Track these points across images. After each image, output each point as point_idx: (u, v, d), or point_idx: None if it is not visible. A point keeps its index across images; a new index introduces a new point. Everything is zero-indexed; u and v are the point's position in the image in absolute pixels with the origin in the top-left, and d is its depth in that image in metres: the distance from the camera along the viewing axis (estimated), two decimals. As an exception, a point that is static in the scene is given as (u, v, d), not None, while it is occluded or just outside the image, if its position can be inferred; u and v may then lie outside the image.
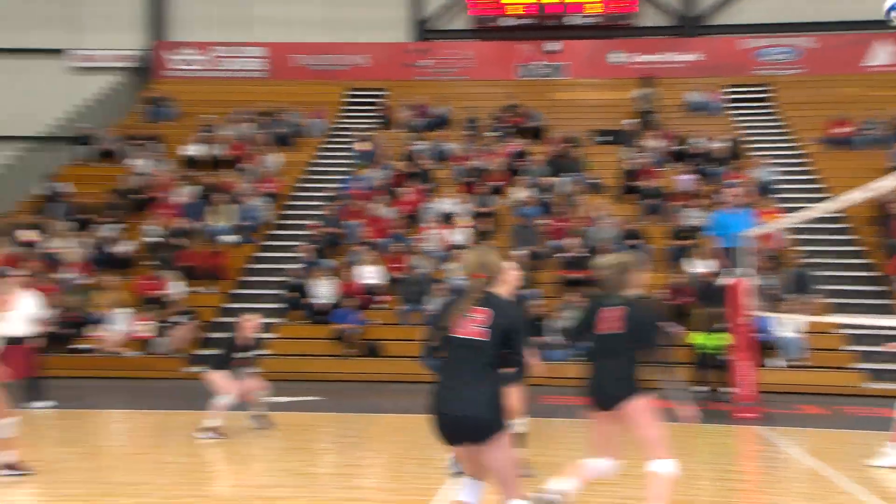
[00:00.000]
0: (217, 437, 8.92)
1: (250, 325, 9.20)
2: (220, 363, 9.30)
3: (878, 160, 18.59)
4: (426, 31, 25.02)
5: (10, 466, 6.94)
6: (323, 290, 15.77)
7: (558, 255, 16.65)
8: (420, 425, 9.80)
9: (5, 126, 24.11)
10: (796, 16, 23.59)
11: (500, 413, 4.17)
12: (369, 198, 18.42)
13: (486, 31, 24.59)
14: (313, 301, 15.70)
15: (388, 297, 15.97)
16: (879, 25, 22.58)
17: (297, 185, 20.21)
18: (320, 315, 15.47)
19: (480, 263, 4.34)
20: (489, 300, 4.25)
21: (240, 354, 9.30)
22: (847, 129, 20.13)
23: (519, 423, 6.40)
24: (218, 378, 9.25)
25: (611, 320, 5.08)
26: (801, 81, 22.78)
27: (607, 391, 5.02)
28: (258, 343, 10.54)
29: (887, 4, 5.58)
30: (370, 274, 16.09)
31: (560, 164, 19.67)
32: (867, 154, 19.48)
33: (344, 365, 14.55)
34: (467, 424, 4.13)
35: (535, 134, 21.57)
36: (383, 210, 17.96)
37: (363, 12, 24.81)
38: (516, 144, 20.43)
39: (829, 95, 21.57)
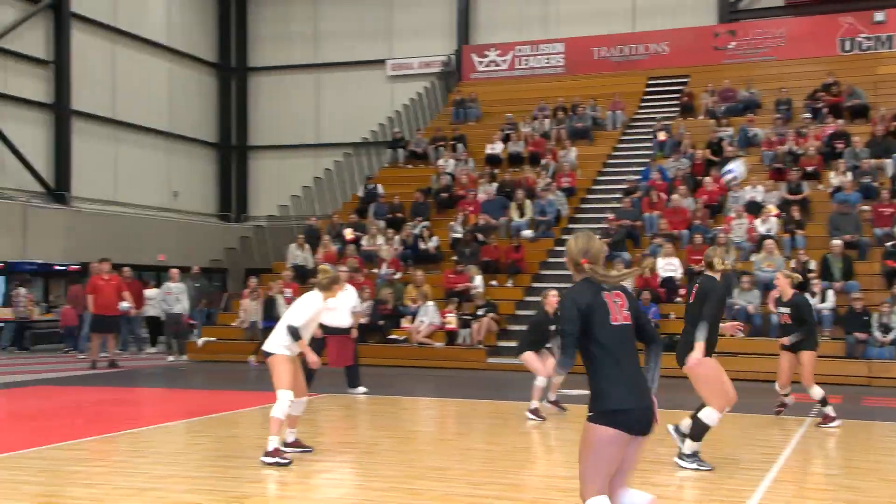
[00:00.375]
0: (537, 419, 9.41)
1: (554, 299, 9.41)
2: (532, 344, 9.69)
3: None
4: (734, 13, 23.82)
5: (292, 444, 7.46)
6: (619, 284, 15.61)
7: (884, 243, 15.05)
8: (730, 423, 9.43)
9: (334, 133, 26.84)
10: None
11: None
12: (669, 189, 17.95)
13: (803, 5, 22.85)
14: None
15: (685, 291, 15.43)
16: None
17: (596, 178, 20.26)
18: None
19: (586, 249, 4.10)
20: (618, 286, 4.06)
21: (551, 327, 9.49)
22: None
23: None
24: (531, 359, 9.57)
25: None
26: None
27: None
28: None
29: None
30: (669, 267, 15.67)
31: (886, 145, 17.77)
32: None
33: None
34: (649, 417, 3.93)
35: (858, 113, 19.67)
36: (684, 201, 17.41)
37: (667, -1, 24.26)
38: (834, 125, 18.78)
39: None
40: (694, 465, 6.87)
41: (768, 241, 15.38)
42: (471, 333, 15.70)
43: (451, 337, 15.90)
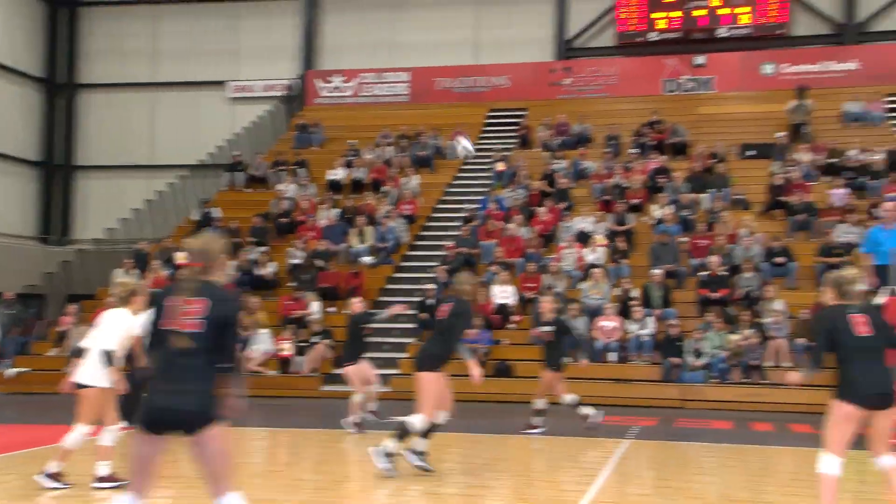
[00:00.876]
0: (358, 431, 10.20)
1: (359, 305, 9.68)
2: (351, 353, 10.34)
3: None
4: (570, 50, 24.95)
5: (105, 479, 7.12)
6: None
7: (699, 273, 16.10)
8: (552, 446, 9.80)
9: (170, 154, 25.94)
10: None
11: (214, 406, 4.14)
12: (505, 218, 18.49)
13: (632, 46, 24.23)
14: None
15: (520, 318, 15.93)
16: None
17: (436, 206, 20.57)
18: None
19: (201, 250, 4.19)
20: (205, 290, 4.15)
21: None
22: None
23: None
24: (352, 373, 10.37)
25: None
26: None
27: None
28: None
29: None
30: (503, 294, 16.10)
31: (703, 180, 19.07)
32: None
33: (473, 385, 14.59)
34: (178, 417, 4.11)
35: (679, 150, 21.01)
36: (519, 230, 17.97)
37: (508, 33, 25.04)
38: (658, 161, 19.97)
39: None
40: (385, 464, 7.47)
41: (596, 270, 16.12)
42: (305, 361, 15.52)
43: (285, 364, 15.65)
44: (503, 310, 16.03)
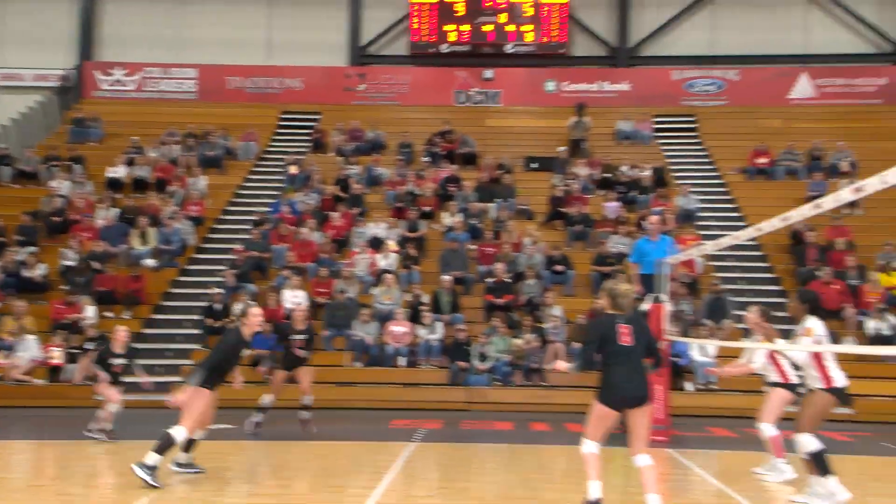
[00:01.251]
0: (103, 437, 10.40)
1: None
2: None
3: (795, 190, 19.11)
4: (364, 56, 25.08)
5: None
6: (245, 315, 15.49)
7: (485, 280, 16.70)
8: (339, 451, 9.77)
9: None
10: (723, 49, 24.22)
11: None
12: (298, 222, 18.27)
13: (424, 56, 24.73)
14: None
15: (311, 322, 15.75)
16: (802, 59, 23.69)
17: (225, 208, 19.97)
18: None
19: None
20: None
21: (116, 361, 10.58)
22: (767, 160, 20.65)
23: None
24: (104, 386, 10.66)
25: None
26: (725, 113, 23.37)
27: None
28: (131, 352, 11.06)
29: None
30: (294, 298, 15.89)
31: (491, 190, 19.80)
32: (785, 184, 20.02)
33: (262, 391, 14.28)
34: None
35: (468, 160, 21.70)
36: (312, 234, 17.81)
37: (302, 36, 24.76)
38: (448, 170, 20.51)
39: (751, 127, 22.16)
40: (149, 478, 7.37)
41: (388, 276, 16.29)
42: (77, 369, 14.48)
43: (54, 372, 14.55)
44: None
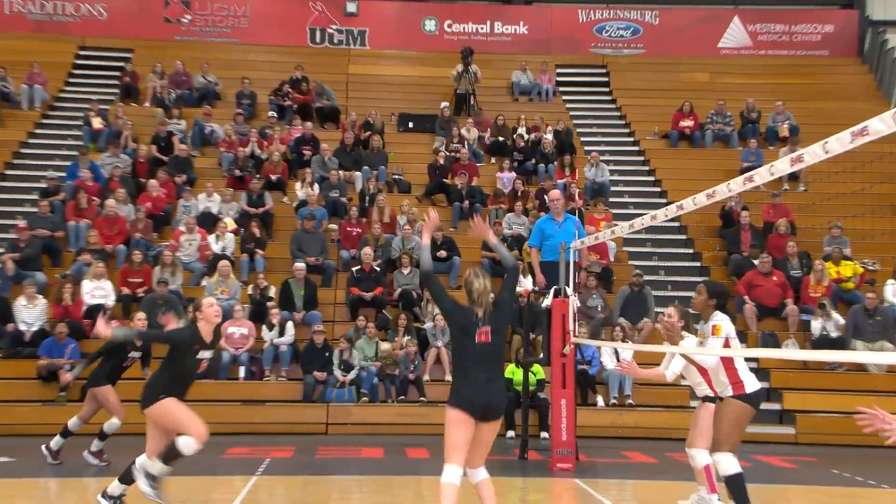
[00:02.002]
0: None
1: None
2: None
3: (726, 160, 19.83)
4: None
5: None
6: (28, 314, 14.88)
7: (350, 268, 16.59)
8: (169, 487, 9.45)
9: None
10: (640, -15, 24.87)
11: None
12: (102, 192, 17.67)
13: (268, -18, 24.33)
14: (15, 328, 14.79)
15: (119, 322, 15.25)
16: (734, 0, 24.57)
17: (3, 172, 19.27)
18: (24, 347, 14.59)
19: None
20: None
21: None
22: (692, 123, 21.33)
23: None
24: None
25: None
26: (642, 63, 24.00)
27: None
28: None
29: None
30: (98, 292, 15.34)
31: (356, 156, 19.67)
32: (714, 153, 20.75)
33: (54, 413, 13.75)
34: None
35: (327, 116, 21.46)
36: (122, 208, 17.26)
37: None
38: (301, 128, 20.26)
39: (673, 81, 22.87)
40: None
41: (223, 263, 15.92)
42: None
43: None
44: (97, 311, 15.23)
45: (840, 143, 5.22)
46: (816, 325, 15.38)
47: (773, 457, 12.08)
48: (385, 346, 14.97)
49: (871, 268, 16.89)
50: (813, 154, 5.55)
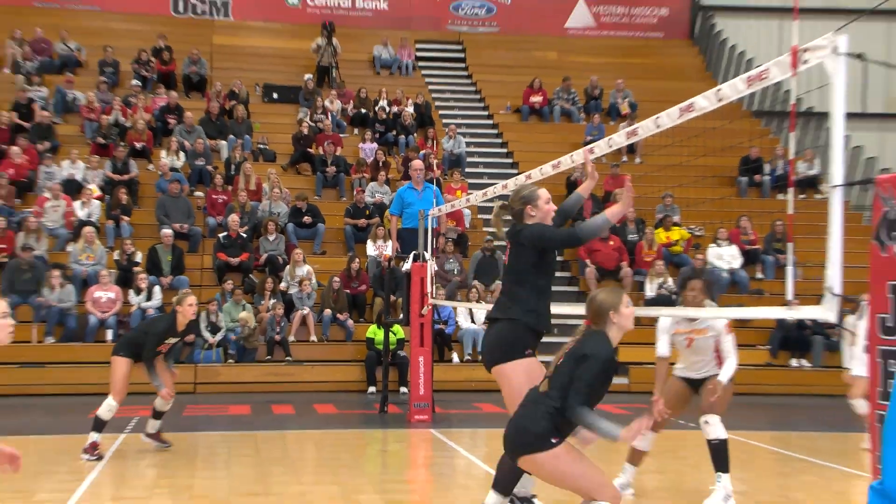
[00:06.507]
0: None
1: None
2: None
3: (572, 133, 20.39)
4: (50, -55, 23.47)
5: None
6: None
7: (216, 234, 16.40)
8: (24, 448, 9.23)
9: None
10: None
11: None
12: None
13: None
14: None
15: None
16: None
17: None
18: None
19: None
20: None
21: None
22: (541, 98, 21.81)
23: None
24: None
25: None
26: (496, 41, 24.34)
27: None
28: None
29: None
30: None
31: (220, 125, 19.39)
32: (561, 126, 21.30)
33: None
34: None
35: (193, 86, 21.05)
36: (-17, 175, 16.60)
37: None
38: (166, 97, 19.81)
39: (525, 59, 23.27)
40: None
41: (87, 229, 15.53)
42: None
43: None
44: (-39, 279, 14.69)
45: (670, 118, 5.55)
46: (648, 287, 16.08)
47: (609, 405, 12.62)
48: (242, 314, 14.81)
49: (697, 233, 17.69)
50: (646, 128, 5.87)
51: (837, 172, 4.21)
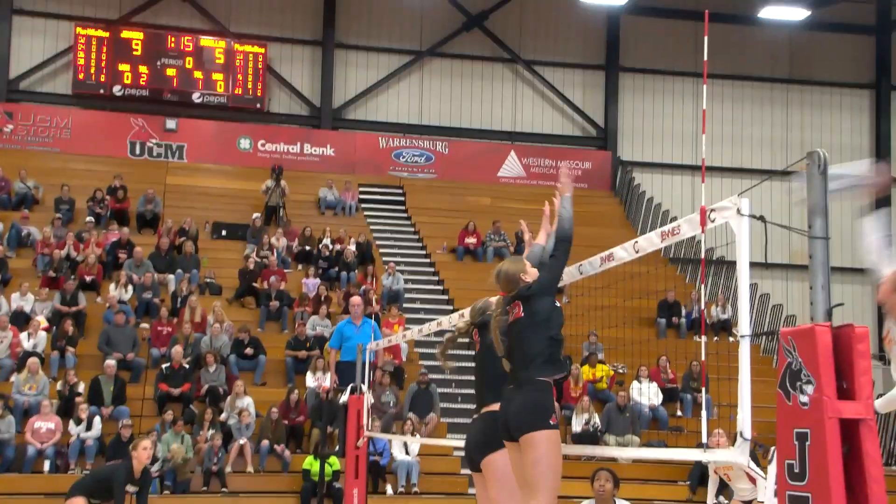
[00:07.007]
0: None
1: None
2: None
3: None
4: (14, 92, 23.51)
5: None
6: None
7: (160, 365, 16.02)
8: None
9: None
10: (433, 119, 25.72)
11: None
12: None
13: (91, 98, 23.66)
14: None
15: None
16: (511, 137, 25.83)
17: None
18: None
19: None
20: None
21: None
22: (475, 240, 22.09)
23: None
24: None
25: None
26: (434, 186, 24.73)
27: None
28: None
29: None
30: None
31: (170, 259, 19.22)
32: (494, 266, 21.46)
33: None
34: None
35: (146, 222, 20.93)
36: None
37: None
38: (119, 233, 19.64)
39: (460, 203, 23.64)
40: None
41: (32, 360, 15.09)
42: None
43: None
44: None
45: (592, 266, 5.65)
46: (575, 422, 15.98)
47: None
48: (173, 446, 14.31)
49: (620, 370, 17.76)
50: (570, 274, 5.95)
51: (744, 321, 4.27)
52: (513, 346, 5.44)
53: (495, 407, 5.68)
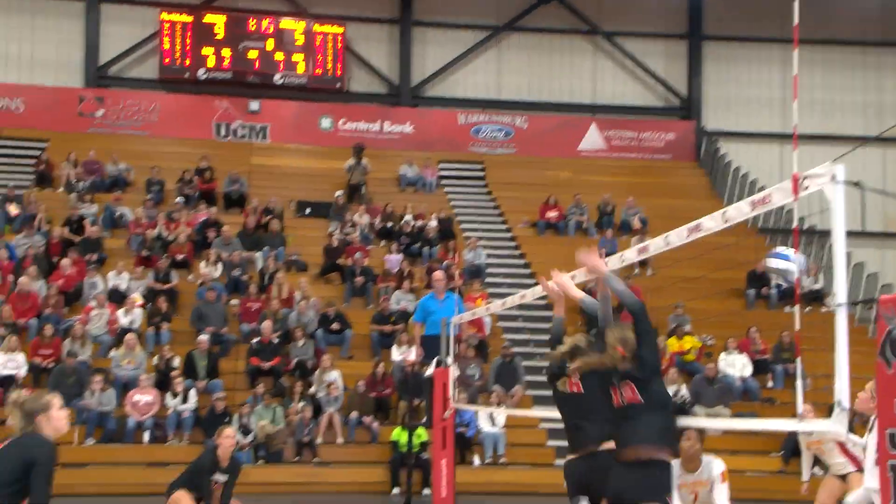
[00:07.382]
0: None
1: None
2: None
3: (585, 246, 20.40)
4: (103, 78, 24.16)
5: None
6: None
7: (250, 340, 16.41)
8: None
9: None
10: (511, 94, 25.61)
11: None
12: (16, 269, 17.12)
13: (177, 82, 24.18)
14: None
15: (30, 391, 14.73)
16: (591, 110, 25.58)
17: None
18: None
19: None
20: None
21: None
22: (557, 214, 21.98)
23: None
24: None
25: None
26: (513, 161, 24.66)
27: None
28: None
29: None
30: (11, 364, 14.83)
31: (256, 237, 19.60)
32: (576, 240, 21.34)
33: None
34: None
35: (232, 202, 21.37)
36: (34, 284, 16.74)
37: (27, 49, 23.54)
38: (206, 213, 20.09)
39: (540, 177, 23.53)
40: None
41: (129, 336, 15.60)
42: None
43: None
44: (8, 382, 14.70)
45: (678, 237, 5.60)
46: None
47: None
48: (262, 422, 14.63)
49: (708, 342, 17.54)
50: (656, 245, 5.92)
51: (841, 291, 4.21)
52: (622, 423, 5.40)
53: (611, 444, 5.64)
